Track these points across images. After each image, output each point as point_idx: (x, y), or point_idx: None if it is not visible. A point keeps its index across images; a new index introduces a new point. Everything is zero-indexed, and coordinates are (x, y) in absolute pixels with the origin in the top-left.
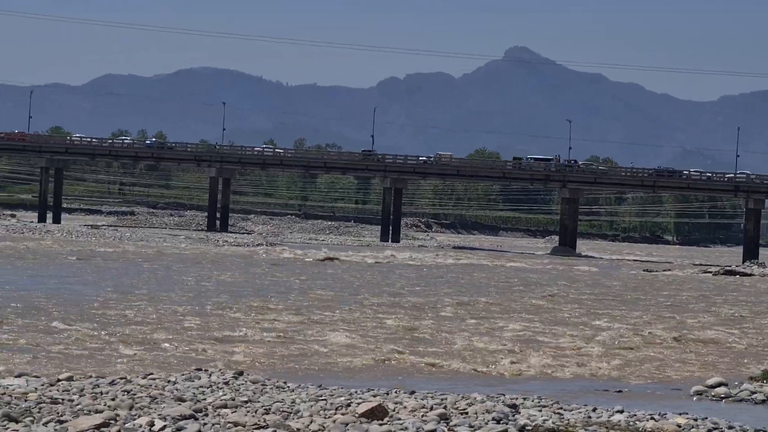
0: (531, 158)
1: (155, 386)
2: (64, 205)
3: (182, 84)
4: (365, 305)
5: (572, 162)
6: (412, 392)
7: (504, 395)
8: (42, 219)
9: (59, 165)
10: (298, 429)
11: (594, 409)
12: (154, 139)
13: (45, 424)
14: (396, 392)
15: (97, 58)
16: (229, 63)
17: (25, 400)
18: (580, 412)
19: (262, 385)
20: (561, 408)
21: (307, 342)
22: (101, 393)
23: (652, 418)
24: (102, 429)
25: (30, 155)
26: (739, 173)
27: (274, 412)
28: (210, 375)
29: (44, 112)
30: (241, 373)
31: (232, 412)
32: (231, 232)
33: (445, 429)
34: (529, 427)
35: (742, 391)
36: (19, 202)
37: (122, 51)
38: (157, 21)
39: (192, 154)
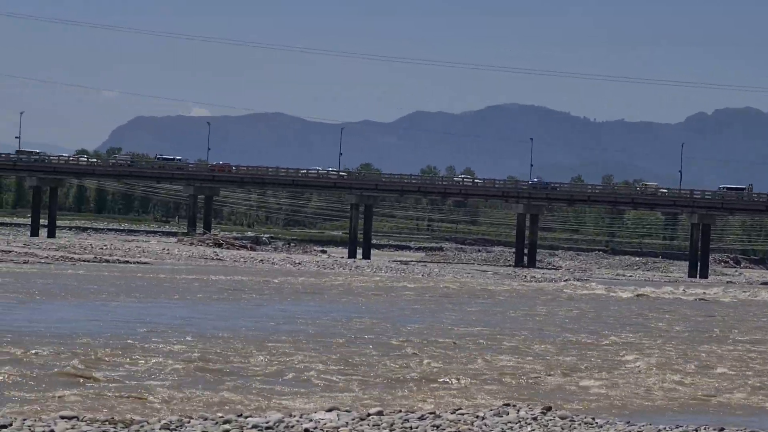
0: None
1: (464, 421)
2: (374, 241)
3: (490, 120)
4: (677, 342)
5: None
6: (721, 429)
7: None
8: (352, 255)
9: (369, 201)
10: None
11: None
12: (463, 176)
13: None
14: (705, 429)
15: (407, 96)
16: (536, 99)
17: None
18: None
19: (570, 420)
20: None
21: (626, 376)
22: (410, 428)
23: None
24: None
25: (341, 192)
26: None
27: None
28: (518, 410)
29: (355, 149)
30: (549, 409)
31: None
32: (538, 268)
33: None
34: None
35: None
36: (329, 238)
37: (432, 89)
38: (466, 59)
39: (500, 190)
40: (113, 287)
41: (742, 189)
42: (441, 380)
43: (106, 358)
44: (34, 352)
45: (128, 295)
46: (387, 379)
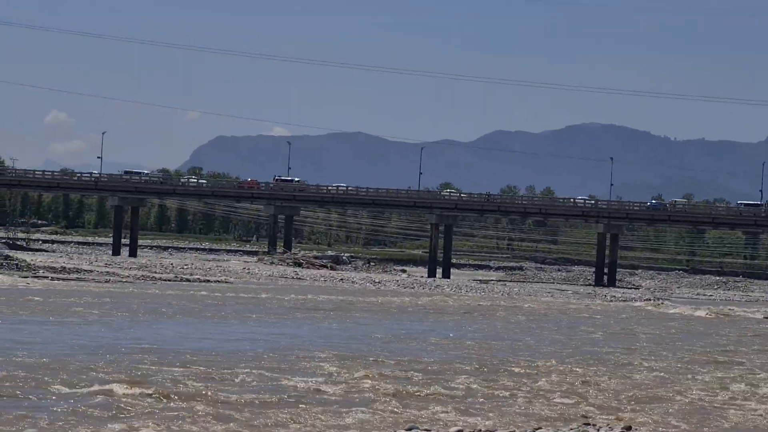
0: None
1: None
2: (453, 260)
3: (570, 140)
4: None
5: None
6: None
7: None
8: (432, 274)
9: (449, 221)
10: None
11: None
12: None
13: None
14: None
15: (487, 115)
16: (617, 118)
17: None
18: None
19: None
20: None
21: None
22: None
23: None
24: None
25: (421, 211)
26: None
27: None
28: (598, 429)
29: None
30: (629, 428)
31: None
32: (618, 287)
33: None
34: None
35: None
36: (409, 257)
37: (512, 108)
38: (546, 78)
39: (580, 209)
40: (213, 306)
41: None
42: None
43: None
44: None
45: (241, 314)
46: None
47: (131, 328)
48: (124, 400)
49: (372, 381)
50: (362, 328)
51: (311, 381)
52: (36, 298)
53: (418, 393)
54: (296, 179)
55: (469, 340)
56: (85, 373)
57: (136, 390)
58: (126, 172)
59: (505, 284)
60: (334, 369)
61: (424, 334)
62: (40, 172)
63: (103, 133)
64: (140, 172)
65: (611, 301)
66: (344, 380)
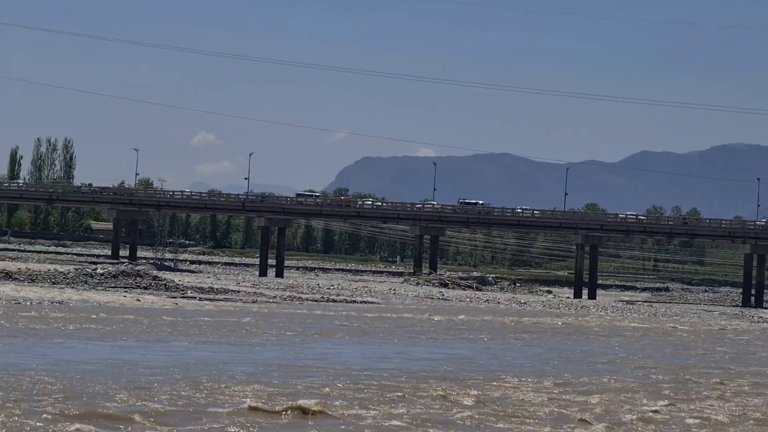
0: None
1: None
2: (599, 281)
3: (717, 160)
4: None
5: None
6: None
7: None
8: (577, 295)
9: (594, 242)
10: None
11: None
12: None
13: None
14: None
15: (633, 135)
16: (763, 138)
17: None
18: None
19: None
20: None
21: None
22: None
23: None
24: None
25: (566, 232)
26: None
27: None
28: None
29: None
30: None
31: None
32: (765, 308)
33: None
34: None
35: None
36: (555, 278)
37: (658, 128)
38: (693, 99)
39: (726, 230)
40: (381, 328)
41: None
42: None
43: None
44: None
45: (415, 335)
46: None
47: (311, 347)
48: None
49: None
50: (528, 349)
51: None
52: (205, 319)
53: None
54: (480, 202)
55: (648, 358)
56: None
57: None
58: (298, 195)
59: (651, 305)
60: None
61: (596, 354)
62: (188, 193)
63: (250, 154)
64: (312, 194)
65: (758, 322)
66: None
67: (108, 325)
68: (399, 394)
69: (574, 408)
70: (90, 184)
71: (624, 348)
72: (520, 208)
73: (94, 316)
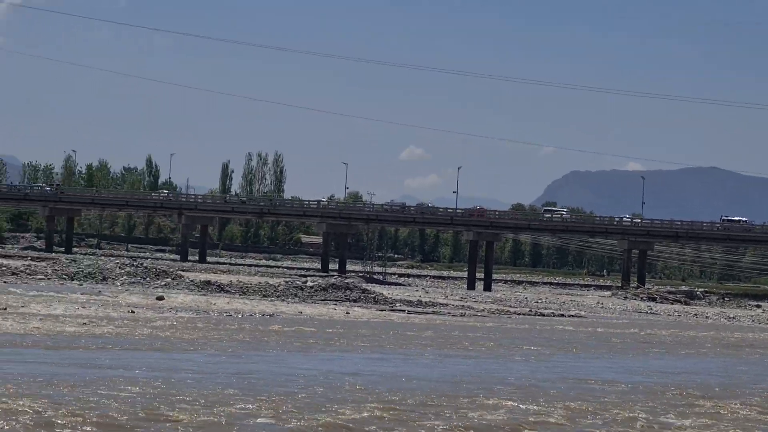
0: None
1: None
2: None
3: None
4: None
5: None
6: None
7: None
8: None
9: None
10: None
11: None
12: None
13: None
14: None
15: None
16: None
17: None
18: None
19: None
20: None
21: None
22: None
23: None
24: None
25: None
26: None
27: None
28: None
29: None
30: None
31: None
32: None
33: None
34: None
35: None
36: (764, 292)
37: None
38: None
39: None
40: (604, 341)
41: None
42: None
43: None
44: None
45: (646, 348)
46: None
47: (560, 361)
48: None
49: None
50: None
51: None
52: (427, 333)
53: None
54: (743, 219)
55: None
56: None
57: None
58: (546, 210)
59: None
60: None
61: None
62: (396, 207)
63: (458, 168)
64: (555, 210)
65: None
66: None
67: (339, 338)
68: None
69: None
70: (299, 198)
71: None
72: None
73: (331, 330)
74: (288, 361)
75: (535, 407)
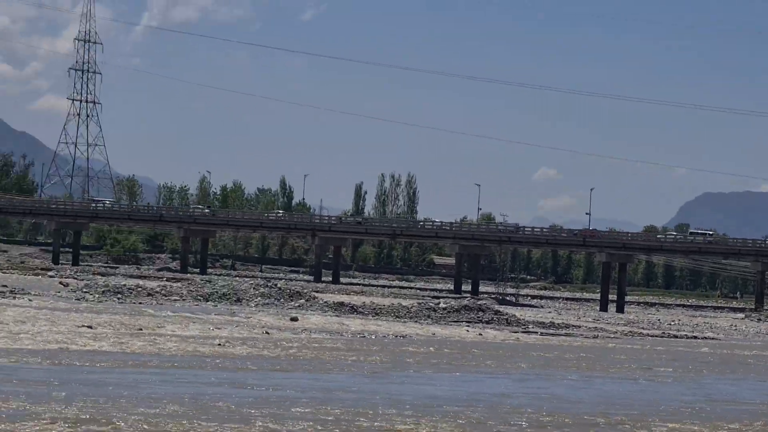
0: None
1: None
2: None
3: None
4: None
5: None
6: None
7: None
8: None
9: None
10: None
11: None
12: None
13: None
14: None
15: None
16: None
17: None
18: None
19: None
20: None
21: None
22: None
23: None
24: None
25: None
26: None
27: None
28: None
29: None
30: None
31: None
32: None
33: None
34: None
35: None
36: None
37: None
38: None
39: None
40: (742, 363)
41: None
42: None
43: None
44: None
45: None
46: None
47: (712, 384)
48: None
49: None
50: None
51: None
52: (568, 355)
53: None
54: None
55: None
56: None
57: None
58: (691, 233)
59: None
60: None
61: None
62: (530, 229)
63: (591, 190)
64: (705, 233)
65: None
66: None
67: (478, 359)
68: None
69: None
70: (432, 219)
71: None
72: None
73: (477, 351)
74: (433, 380)
75: None
